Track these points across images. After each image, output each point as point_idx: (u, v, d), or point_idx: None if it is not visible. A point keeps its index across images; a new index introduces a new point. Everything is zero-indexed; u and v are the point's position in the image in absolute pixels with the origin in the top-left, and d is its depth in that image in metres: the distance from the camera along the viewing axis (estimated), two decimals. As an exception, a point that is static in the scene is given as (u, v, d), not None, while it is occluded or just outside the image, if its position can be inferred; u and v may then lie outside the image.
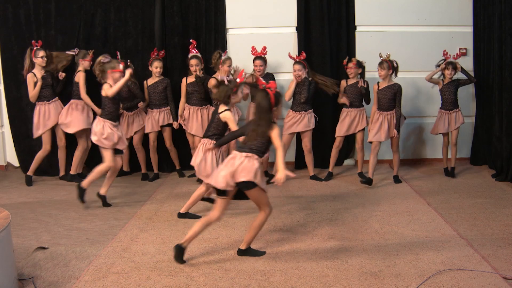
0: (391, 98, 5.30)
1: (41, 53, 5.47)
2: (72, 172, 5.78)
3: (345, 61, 5.69)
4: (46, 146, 5.63)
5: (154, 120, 5.76)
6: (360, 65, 5.55)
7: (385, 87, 5.32)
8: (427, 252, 3.43)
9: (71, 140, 5.87)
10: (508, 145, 5.45)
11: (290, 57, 5.60)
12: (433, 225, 4.03)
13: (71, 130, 5.61)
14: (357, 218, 4.24)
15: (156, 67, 5.66)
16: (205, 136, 4.29)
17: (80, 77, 5.53)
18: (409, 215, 4.30)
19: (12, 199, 5.09)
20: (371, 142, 5.39)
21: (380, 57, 5.32)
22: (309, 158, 5.69)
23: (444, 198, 4.85)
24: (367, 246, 3.59)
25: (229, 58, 5.51)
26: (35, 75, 5.49)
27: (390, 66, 5.23)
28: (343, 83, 5.67)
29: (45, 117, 5.58)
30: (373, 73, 5.69)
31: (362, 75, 5.58)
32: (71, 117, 5.59)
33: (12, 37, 6.00)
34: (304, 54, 5.57)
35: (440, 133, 5.73)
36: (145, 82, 5.77)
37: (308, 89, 5.43)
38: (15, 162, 6.42)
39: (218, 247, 3.63)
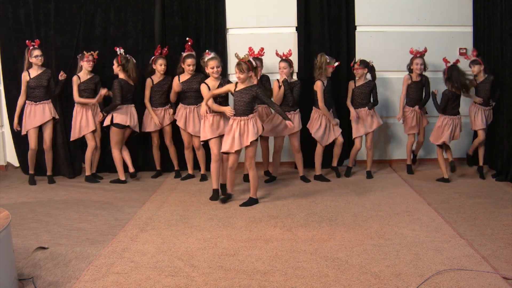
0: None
1: (36, 52, 5.50)
2: (87, 173, 5.84)
3: (352, 63, 5.76)
4: (31, 145, 5.65)
5: (159, 118, 5.76)
6: (365, 65, 5.58)
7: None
8: (427, 252, 3.43)
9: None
10: (508, 145, 5.45)
11: (277, 55, 5.49)
12: (433, 225, 4.03)
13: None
14: (357, 218, 4.24)
15: (160, 64, 5.65)
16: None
17: (73, 81, 5.65)
18: (409, 215, 4.30)
19: (12, 199, 5.09)
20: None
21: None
22: (297, 158, 5.64)
23: (444, 198, 4.85)
24: (367, 246, 3.59)
25: (212, 59, 4.91)
26: (29, 74, 5.55)
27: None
28: (351, 84, 5.71)
29: (31, 117, 5.60)
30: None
31: (373, 76, 5.66)
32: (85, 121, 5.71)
33: (12, 37, 6.00)
34: (290, 52, 5.50)
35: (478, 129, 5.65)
36: (148, 79, 5.74)
37: (292, 92, 5.36)
38: (15, 162, 6.42)
39: (218, 247, 3.63)
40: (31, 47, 5.52)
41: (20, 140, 6.16)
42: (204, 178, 5.80)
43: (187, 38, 5.68)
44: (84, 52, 5.66)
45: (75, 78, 5.62)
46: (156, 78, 5.75)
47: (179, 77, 5.63)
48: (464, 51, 6.20)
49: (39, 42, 5.60)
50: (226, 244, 3.69)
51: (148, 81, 5.74)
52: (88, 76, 5.67)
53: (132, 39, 6.05)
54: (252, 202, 4.75)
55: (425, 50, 5.66)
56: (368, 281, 3.01)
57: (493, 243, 3.58)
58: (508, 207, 4.47)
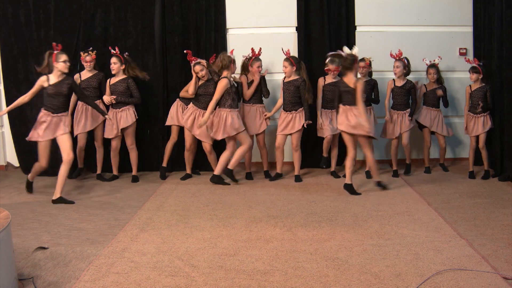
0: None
1: (64, 57, 4.78)
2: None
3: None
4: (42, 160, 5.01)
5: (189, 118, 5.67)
6: (370, 64, 5.62)
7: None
8: (427, 252, 3.43)
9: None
10: (508, 145, 5.45)
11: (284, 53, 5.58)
12: (433, 225, 4.03)
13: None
14: (357, 218, 4.24)
15: (196, 71, 5.52)
16: None
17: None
18: (409, 215, 4.30)
19: (12, 199, 5.09)
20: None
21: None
22: (296, 156, 5.68)
23: (444, 198, 4.85)
24: (367, 246, 3.59)
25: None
26: (48, 79, 4.78)
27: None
28: None
29: (46, 130, 4.81)
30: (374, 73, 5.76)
31: (370, 74, 5.70)
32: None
33: (12, 37, 6.01)
34: (289, 51, 5.62)
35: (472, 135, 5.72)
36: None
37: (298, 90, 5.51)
38: (15, 162, 6.43)
39: (218, 247, 3.63)
40: (56, 51, 4.83)
41: (20, 140, 6.16)
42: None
43: (185, 51, 5.62)
44: (81, 53, 5.65)
45: (75, 76, 5.65)
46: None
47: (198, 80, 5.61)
48: (464, 51, 6.21)
49: (61, 47, 5.04)
50: (226, 244, 3.69)
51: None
52: (90, 74, 5.68)
53: (132, 39, 6.06)
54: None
55: (400, 53, 5.63)
56: (368, 281, 3.01)
57: (493, 243, 3.58)
58: (508, 207, 4.47)
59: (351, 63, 4.85)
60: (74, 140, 5.83)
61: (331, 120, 5.66)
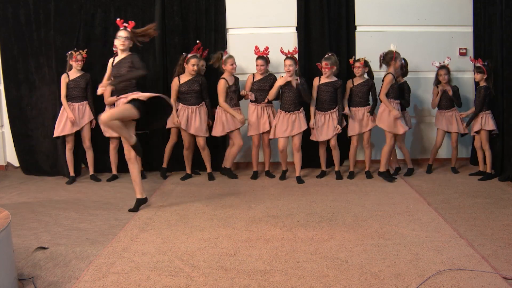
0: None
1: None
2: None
3: (351, 60, 5.75)
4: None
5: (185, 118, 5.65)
6: (366, 64, 5.60)
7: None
8: (427, 252, 3.43)
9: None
10: (508, 145, 5.45)
11: (282, 52, 5.53)
12: (433, 225, 4.03)
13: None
14: (357, 218, 4.24)
15: (193, 64, 5.53)
16: None
17: (61, 79, 5.67)
18: (409, 215, 4.30)
19: (12, 199, 5.09)
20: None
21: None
22: (297, 158, 5.66)
23: (444, 198, 4.85)
24: (367, 246, 3.59)
25: (230, 57, 5.60)
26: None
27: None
28: (349, 83, 5.71)
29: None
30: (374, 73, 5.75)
31: (369, 74, 5.67)
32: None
33: (12, 37, 6.00)
34: (296, 49, 5.62)
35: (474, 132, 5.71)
36: (176, 79, 5.63)
37: (302, 89, 5.49)
38: (15, 162, 6.43)
39: (218, 247, 3.63)
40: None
41: (20, 140, 6.16)
42: (211, 177, 5.79)
43: (198, 41, 5.72)
44: (72, 52, 5.64)
45: (63, 76, 5.63)
46: (184, 77, 5.65)
47: (179, 78, 5.62)
48: (464, 51, 6.21)
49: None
50: (226, 244, 3.69)
51: (175, 80, 5.67)
52: (78, 74, 5.67)
53: (132, 39, 6.05)
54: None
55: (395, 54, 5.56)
56: (368, 281, 3.01)
57: (493, 243, 3.58)
58: (508, 207, 4.47)
59: (390, 59, 5.35)
60: (62, 141, 5.86)
61: (323, 124, 5.63)
